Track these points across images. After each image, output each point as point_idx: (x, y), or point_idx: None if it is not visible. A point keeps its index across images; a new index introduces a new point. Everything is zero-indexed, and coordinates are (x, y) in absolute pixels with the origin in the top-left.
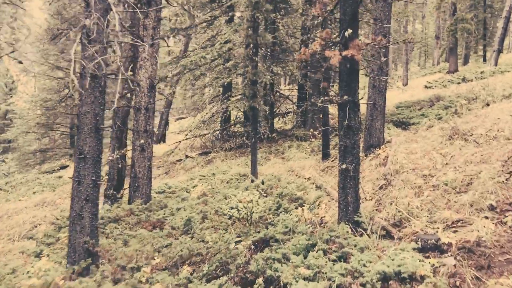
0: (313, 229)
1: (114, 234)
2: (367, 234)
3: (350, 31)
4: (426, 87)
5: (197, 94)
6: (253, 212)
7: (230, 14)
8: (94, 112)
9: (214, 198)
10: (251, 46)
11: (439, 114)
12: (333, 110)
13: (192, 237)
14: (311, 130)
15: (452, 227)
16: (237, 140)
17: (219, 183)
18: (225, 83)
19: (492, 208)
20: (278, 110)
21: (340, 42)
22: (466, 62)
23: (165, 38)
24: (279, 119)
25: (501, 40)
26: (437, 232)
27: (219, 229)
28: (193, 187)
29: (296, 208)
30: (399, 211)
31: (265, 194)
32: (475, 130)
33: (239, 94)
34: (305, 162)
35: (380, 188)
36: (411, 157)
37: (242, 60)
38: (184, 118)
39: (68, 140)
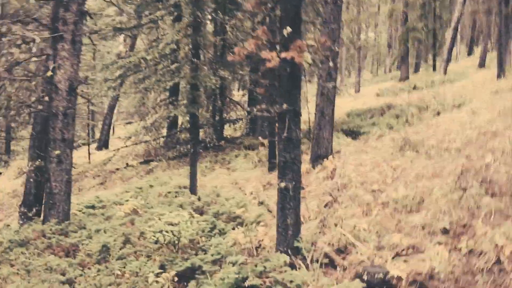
0: (247, 256)
1: (19, 262)
2: (307, 265)
3: (289, 29)
4: (377, 95)
5: (138, 98)
6: (181, 236)
7: (176, 13)
8: None
9: (143, 217)
10: (190, 47)
11: (390, 123)
12: None
13: (107, 267)
14: (259, 138)
15: (403, 255)
16: (182, 148)
17: (156, 197)
18: (169, 87)
19: (445, 231)
20: (228, 116)
21: (280, 43)
22: (417, 70)
23: (102, 37)
24: (229, 126)
25: (450, 50)
26: (386, 262)
27: (142, 256)
28: (126, 201)
29: (233, 229)
30: (344, 235)
31: (199, 213)
32: (426, 140)
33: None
34: (251, 174)
35: (326, 205)
36: (360, 169)
37: (182, 63)
38: (133, 122)
39: (3, 145)
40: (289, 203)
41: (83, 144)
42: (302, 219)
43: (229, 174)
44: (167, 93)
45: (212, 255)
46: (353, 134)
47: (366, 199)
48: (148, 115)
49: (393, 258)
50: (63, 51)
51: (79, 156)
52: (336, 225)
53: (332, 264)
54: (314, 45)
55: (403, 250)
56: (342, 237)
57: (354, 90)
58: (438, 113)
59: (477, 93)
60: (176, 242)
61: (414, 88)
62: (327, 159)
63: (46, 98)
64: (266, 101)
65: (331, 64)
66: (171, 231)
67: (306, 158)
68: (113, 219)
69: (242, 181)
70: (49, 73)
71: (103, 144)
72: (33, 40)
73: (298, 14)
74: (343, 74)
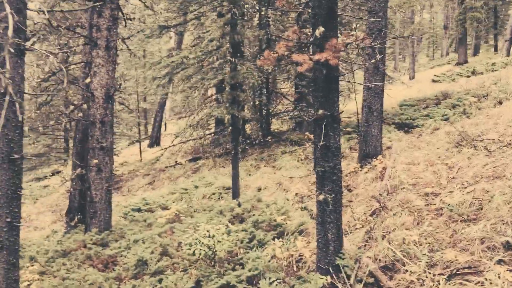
0: (285, 274)
1: (61, 274)
2: (350, 285)
3: (321, 29)
4: (433, 81)
5: (184, 95)
6: (216, 250)
7: (219, 9)
8: (7, 138)
9: (183, 224)
10: (228, 45)
11: (446, 114)
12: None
13: (143, 282)
14: (307, 133)
15: (458, 275)
16: (227, 146)
17: (200, 199)
18: (212, 84)
19: (508, 246)
20: (275, 110)
21: (313, 43)
22: (476, 52)
23: (125, 40)
24: (276, 119)
25: None
26: (439, 284)
27: (179, 270)
28: (171, 203)
29: (273, 239)
30: (391, 249)
31: (239, 220)
32: (486, 134)
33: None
34: (296, 173)
35: (373, 213)
36: (413, 169)
37: (220, 61)
38: (184, 118)
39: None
40: (329, 216)
41: (136, 141)
42: (346, 228)
43: (274, 173)
44: (215, 90)
45: (249, 270)
46: (406, 127)
47: (418, 205)
48: (195, 113)
49: (446, 279)
50: (98, 58)
51: (132, 153)
52: (383, 237)
53: (377, 284)
54: (351, 42)
55: (458, 269)
56: (389, 252)
57: (409, 77)
58: (500, 102)
59: None
60: (212, 255)
61: (473, 72)
62: (376, 158)
63: (85, 106)
64: (305, 103)
65: (378, 56)
66: (207, 245)
67: (354, 155)
68: (154, 227)
69: (287, 181)
70: (88, 80)
71: (155, 141)
72: (53, 54)
73: (332, 10)
74: (397, 59)
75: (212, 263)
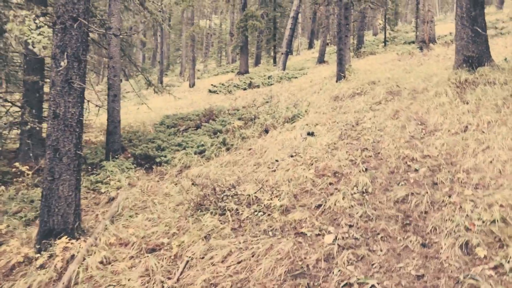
0: None
1: None
2: None
3: None
4: (210, 91)
5: None
6: None
7: None
8: None
9: None
10: None
11: (203, 145)
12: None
13: None
14: (16, 164)
15: None
16: None
17: None
18: None
19: None
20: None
21: None
22: (257, 62)
23: None
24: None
25: (289, 42)
26: None
27: None
28: None
29: None
30: None
31: None
32: (242, 184)
33: None
34: None
35: None
36: (118, 264)
37: None
38: None
39: None
40: None
41: None
42: None
43: None
44: None
45: None
46: (150, 161)
47: None
48: None
49: None
50: None
51: None
52: None
53: None
54: None
55: None
56: None
57: (189, 84)
58: (266, 131)
59: (315, 99)
60: None
61: (250, 85)
62: (66, 235)
63: None
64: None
65: (64, 62)
66: None
67: (34, 232)
68: None
69: None
70: None
71: None
72: None
73: None
74: (183, 64)
75: None
